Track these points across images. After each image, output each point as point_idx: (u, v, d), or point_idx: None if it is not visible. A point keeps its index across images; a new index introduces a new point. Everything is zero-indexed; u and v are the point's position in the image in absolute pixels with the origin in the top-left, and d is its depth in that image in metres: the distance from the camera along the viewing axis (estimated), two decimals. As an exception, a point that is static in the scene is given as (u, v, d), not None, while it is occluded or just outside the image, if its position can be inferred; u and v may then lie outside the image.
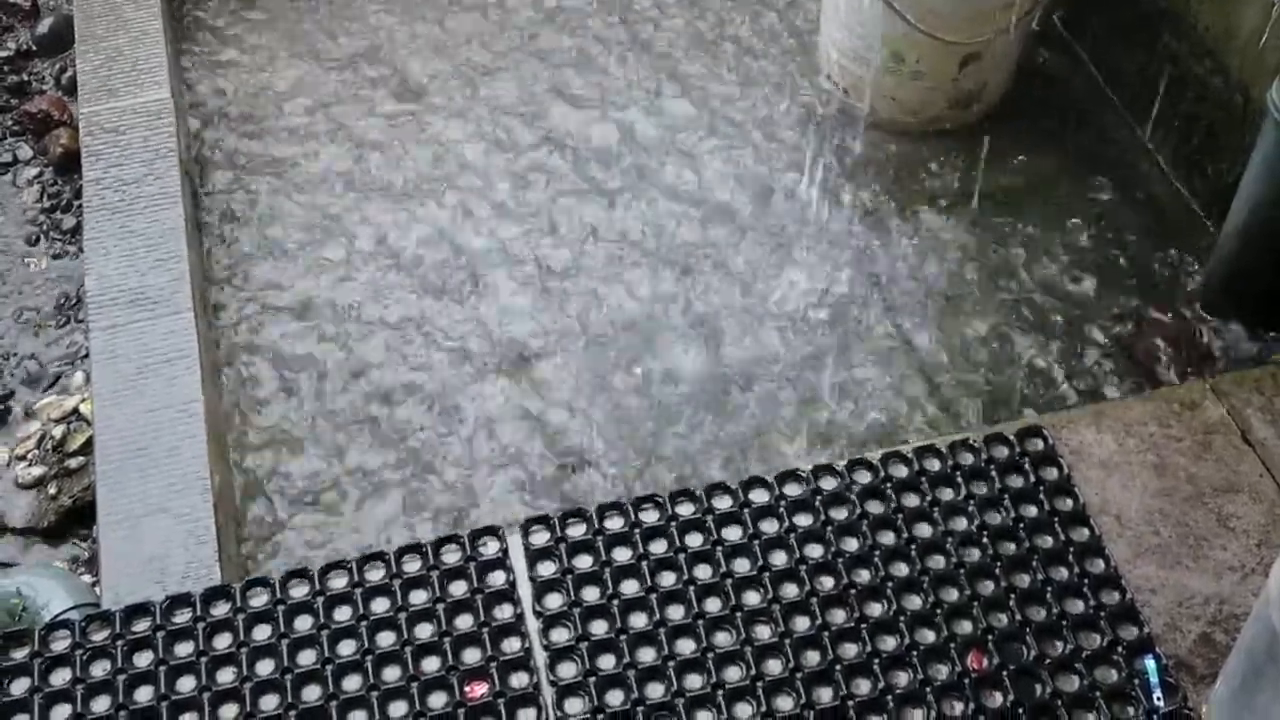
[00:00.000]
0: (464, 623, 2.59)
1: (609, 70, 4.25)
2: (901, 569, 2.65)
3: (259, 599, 2.64)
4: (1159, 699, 2.47)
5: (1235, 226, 3.32)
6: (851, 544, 2.69)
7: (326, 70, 4.26)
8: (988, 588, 2.62)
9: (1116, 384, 3.43)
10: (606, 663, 2.52)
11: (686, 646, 2.54)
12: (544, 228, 3.79)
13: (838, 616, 2.58)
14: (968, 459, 2.83)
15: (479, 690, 2.49)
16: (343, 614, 2.61)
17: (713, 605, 2.60)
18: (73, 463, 3.35)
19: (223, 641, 2.58)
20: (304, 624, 2.59)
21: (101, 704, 2.49)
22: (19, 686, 2.52)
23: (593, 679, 2.49)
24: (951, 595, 2.61)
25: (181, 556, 2.84)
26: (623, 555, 2.68)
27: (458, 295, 3.62)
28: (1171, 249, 3.74)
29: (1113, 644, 2.54)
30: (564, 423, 3.34)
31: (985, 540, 2.69)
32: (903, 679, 2.50)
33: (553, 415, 3.37)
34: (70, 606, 2.79)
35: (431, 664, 2.54)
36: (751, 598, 2.61)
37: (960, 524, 2.72)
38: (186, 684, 2.52)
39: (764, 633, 2.56)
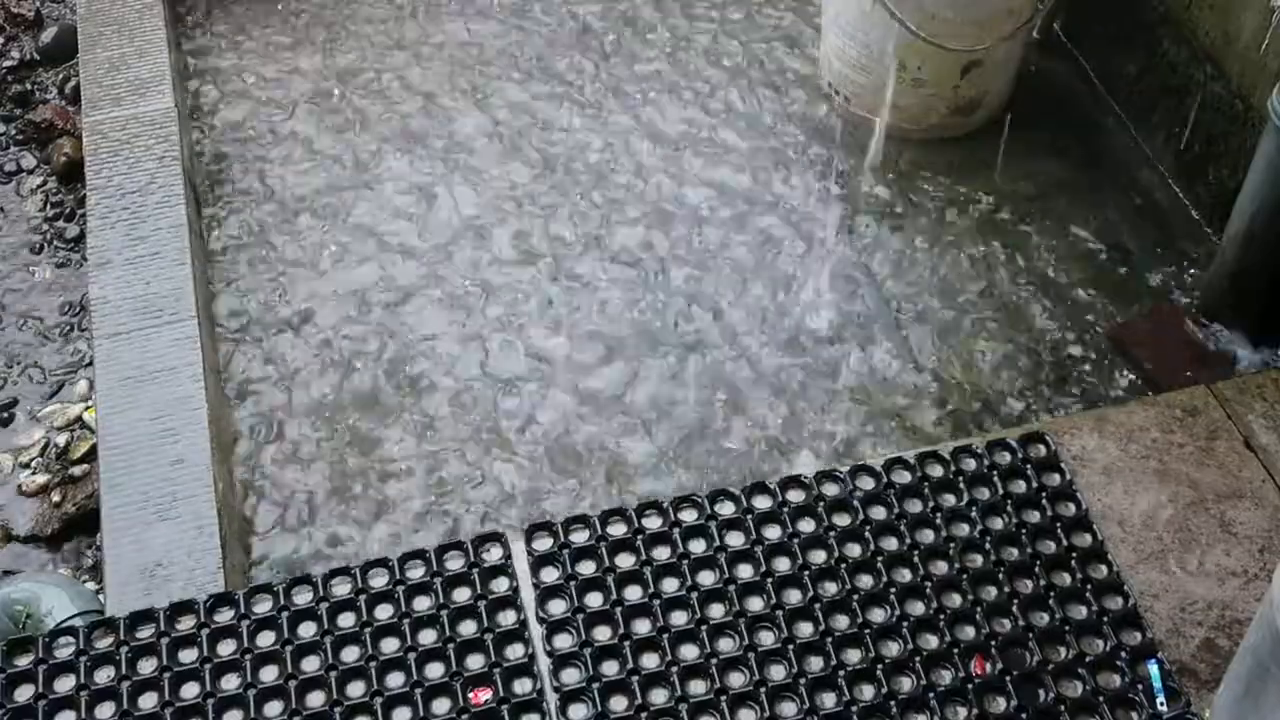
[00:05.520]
0: (467, 629, 2.59)
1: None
2: (904, 574, 2.65)
3: (263, 605, 2.64)
4: (1162, 704, 2.47)
5: (1236, 232, 3.32)
6: (855, 550, 2.69)
7: (327, 76, 4.27)
8: (990, 593, 2.63)
9: (1118, 390, 3.44)
10: (610, 669, 2.53)
11: (690, 652, 2.55)
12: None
13: (841, 622, 2.58)
14: (970, 465, 2.83)
15: (482, 696, 2.49)
16: (346, 620, 2.61)
17: (716, 611, 2.60)
18: (76, 470, 3.36)
19: (227, 648, 2.58)
20: (308, 630, 2.60)
21: (106, 711, 2.50)
22: (23, 693, 2.53)
23: (596, 685, 2.50)
24: (954, 601, 2.62)
25: (185, 563, 2.84)
26: (626, 561, 2.68)
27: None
28: (1172, 255, 3.75)
29: (1116, 649, 2.54)
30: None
31: (988, 546, 2.69)
32: (906, 684, 2.50)
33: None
34: (74, 613, 2.79)
35: (435, 670, 2.54)
36: (755, 603, 2.61)
37: (963, 530, 2.73)
38: (190, 690, 2.52)
39: (768, 638, 2.56)
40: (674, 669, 2.52)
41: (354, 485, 3.24)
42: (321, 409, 3.39)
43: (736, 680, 2.51)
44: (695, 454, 3.31)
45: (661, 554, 2.69)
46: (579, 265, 3.72)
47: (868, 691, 2.49)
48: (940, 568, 2.66)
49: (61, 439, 3.42)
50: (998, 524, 2.74)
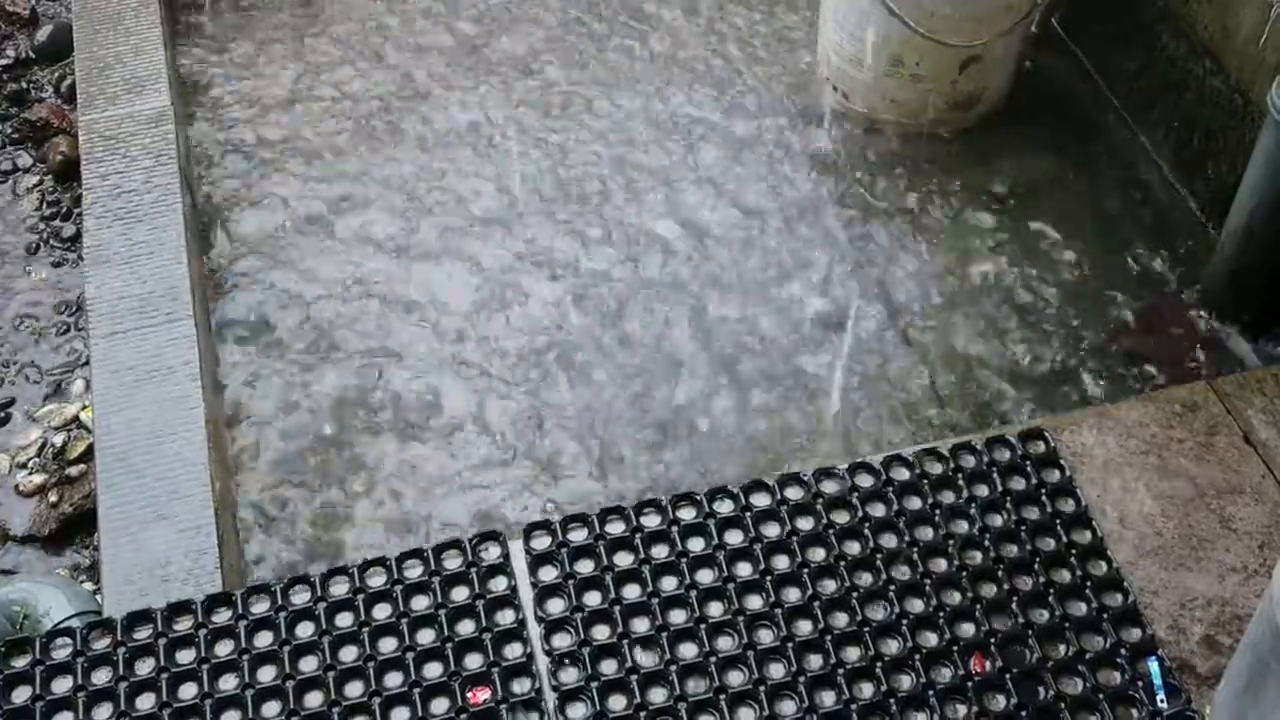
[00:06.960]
0: (465, 628, 2.59)
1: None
2: (904, 572, 2.65)
3: (260, 605, 2.63)
4: (1162, 701, 2.47)
5: (1235, 227, 3.32)
6: (854, 547, 2.68)
7: (323, 74, 4.26)
8: (990, 590, 2.62)
9: (1118, 386, 3.43)
10: (608, 668, 2.52)
11: (689, 651, 2.54)
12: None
13: (840, 620, 2.58)
14: (969, 462, 2.83)
15: (481, 696, 2.49)
16: (344, 620, 2.60)
17: (715, 609, 2.59)
18: (73, 470, 3.35)
19: (224, 648, 2.57)
20: (305, 630, 2.59)
21: (103, 712, 2.49)
22: (21, 694, 2.52)
23: (595, 684, 2.49)
24: (954, 598, 2.61)
25: (183, 564, 2.83)
26: (624, 560, 2.67)
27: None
28: (1172, 250, 3.74)
29: (1115, 646, 2.54)
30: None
31: (987, 543, 2.69)
32: (905, 682, 2.50)
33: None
34: (72, 614, 2.78)
35: (433, 669, 2.53)
36: (753, 601, 2.60)
37: (962, 527, 2.72)
38: (188, 691, 2.52)
39: (766, 637, 2.55)
40: (673, 668, 2.51)
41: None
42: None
43: (735, 679, 2.50)
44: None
45: (660, 552, 2.68)
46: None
47: (867, 689, 2.48)
48: (939, 565, 2.66)
49: (58, 439, 3.41)
50: (997, 521, 2.73)
